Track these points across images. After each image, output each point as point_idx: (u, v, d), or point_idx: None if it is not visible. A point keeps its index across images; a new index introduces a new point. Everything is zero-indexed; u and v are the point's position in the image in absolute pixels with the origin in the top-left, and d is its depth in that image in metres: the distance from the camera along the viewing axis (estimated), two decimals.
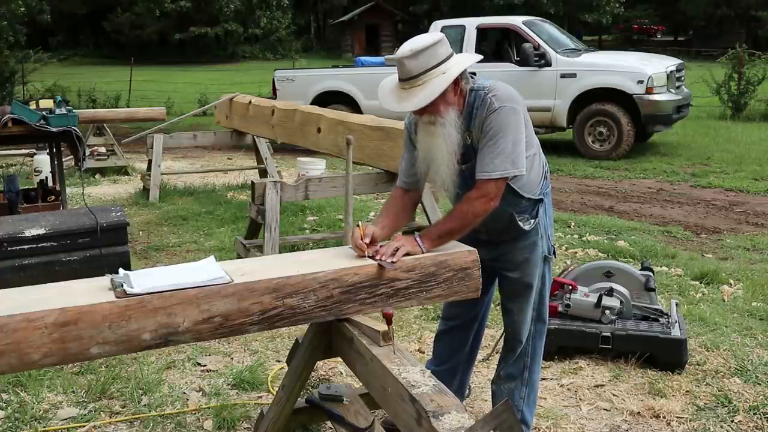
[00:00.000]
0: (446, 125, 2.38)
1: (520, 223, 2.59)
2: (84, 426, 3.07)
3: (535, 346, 2.81)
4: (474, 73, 2.52)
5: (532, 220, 2.61)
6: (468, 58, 2.43)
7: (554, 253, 2.77)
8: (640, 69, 9.86)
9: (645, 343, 3.57)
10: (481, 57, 2.47)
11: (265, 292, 2.10)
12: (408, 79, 2.35)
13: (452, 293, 2.39)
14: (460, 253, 2.39)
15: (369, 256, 2.31)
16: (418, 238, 2.37)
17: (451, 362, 2.95)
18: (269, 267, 2.24)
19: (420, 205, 5.34)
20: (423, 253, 2.35)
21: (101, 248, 4.27)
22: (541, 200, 2.63)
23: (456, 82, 2.38)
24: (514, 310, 2.75)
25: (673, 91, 10.09)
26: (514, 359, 2.81)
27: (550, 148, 9.74)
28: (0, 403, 3.24)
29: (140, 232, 6.28)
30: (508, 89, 2.44)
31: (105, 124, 9.74)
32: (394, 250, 2.30)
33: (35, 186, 6.26)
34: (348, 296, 2.21)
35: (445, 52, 2.36)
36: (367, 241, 2.33)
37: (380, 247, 2.34)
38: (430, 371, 2.11)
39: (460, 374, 2.98)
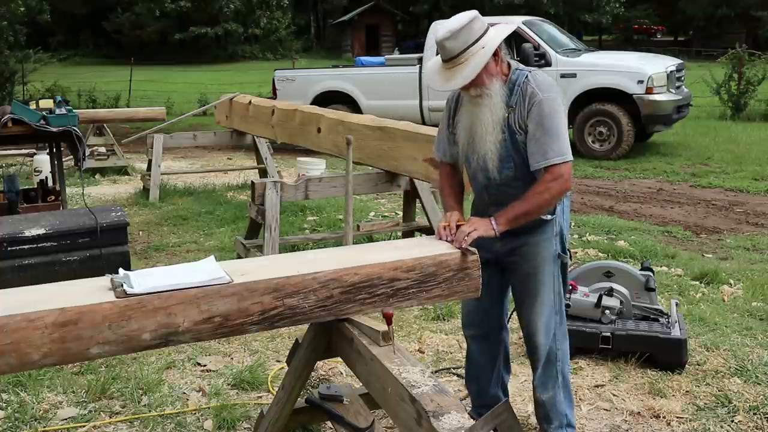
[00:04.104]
0: (492, 96, 2.52)
1: None
2: (84, 426, 3.07)
3: (563, 348, 2.79)
4: None
5: (550, 213, 2.65)
6: (504, 29, 2.55)
7: (569, 254, 2.77)
8: (640, 69, 9.86)
9: (645, 343, 3.58)
10: (516, 26, 2.57)
11: (265, 292, 2.10)
12: (450, 59, 2.47)
13: (452, 293, 2.39)
14: (460, 252, 2.39)
15: (448, 241, 2.40)
16: (493, 221, 2.47)
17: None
18: (269, 267, 2.24)
19: (420, 204, 5.35)
20: (496, 235, 2.46)
21: (101, 248, 4.27)
22: None
23: (495, 53, 2.49)
24: (526, 308, 2.74)
25: (673, 91, 10.09)
26: (542, 365, 2.77)
27: None
28: (0, 403, 3.24)
29: (140, 232, 6.28)
30: (547, 77, 2.59)
31: (105, 124, 9.73)
32: (465, 236, 2.38)
33: (35, 186, 6.26)
34: (348, 296, 2.21)
35: (481, 27, 2.49)
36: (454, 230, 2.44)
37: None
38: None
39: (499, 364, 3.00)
